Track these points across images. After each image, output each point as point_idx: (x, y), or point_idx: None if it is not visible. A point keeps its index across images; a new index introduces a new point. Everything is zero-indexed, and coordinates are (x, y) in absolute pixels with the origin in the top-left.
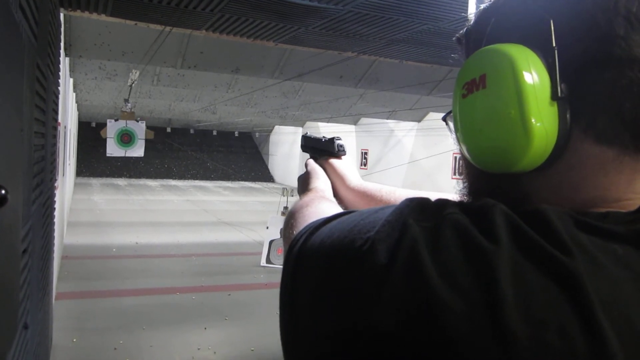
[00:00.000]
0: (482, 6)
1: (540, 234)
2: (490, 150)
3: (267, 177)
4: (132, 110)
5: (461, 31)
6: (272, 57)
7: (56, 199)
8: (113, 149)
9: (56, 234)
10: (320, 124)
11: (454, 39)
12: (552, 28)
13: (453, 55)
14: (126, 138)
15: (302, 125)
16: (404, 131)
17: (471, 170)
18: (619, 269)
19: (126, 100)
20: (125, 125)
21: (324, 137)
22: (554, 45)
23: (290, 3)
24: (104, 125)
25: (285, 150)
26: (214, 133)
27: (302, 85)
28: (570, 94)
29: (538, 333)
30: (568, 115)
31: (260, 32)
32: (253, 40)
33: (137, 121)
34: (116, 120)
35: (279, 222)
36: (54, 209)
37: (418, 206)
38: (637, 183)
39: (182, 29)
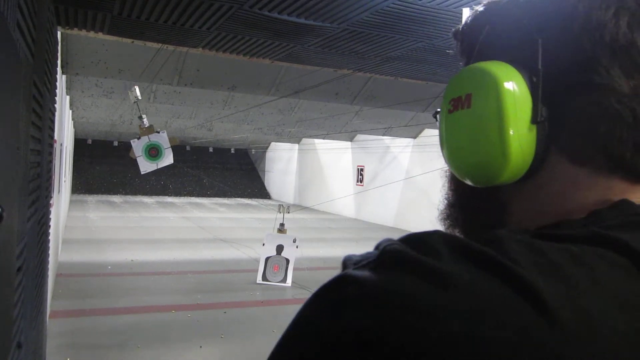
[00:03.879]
0: (478, 8)
1: (489, 247)
2: (470, 165)
3: (264, 193)
4: (150, 124)
5: (458, 27)
6: (268, 75)
7: (51, 216)
8: (145, 166)
9: (51, 252)
10: (316, 140)
11: (451, 33)
12: (540, 49)
13: (448, 50)
14: (153, 152)
15: (298, 142)
16: (400, 147)
17: (453, 178)
18: (573, 266)
19: (140, 117)
20: (148, 141)
21: None
22: (540, 67)
23: (286, 21)
24: (101, 141)
25: (282, 167)
26: (210, 150)
27: (298, 102)
28: (550, 116)
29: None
30: (546, 137)
31: (256, 49)
32: (249, 58)
33: (158, 132)
34: (138, 138)
35: (275, 239)
36: (49, 226)
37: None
38: (609, 198)
39: (179, 46)
